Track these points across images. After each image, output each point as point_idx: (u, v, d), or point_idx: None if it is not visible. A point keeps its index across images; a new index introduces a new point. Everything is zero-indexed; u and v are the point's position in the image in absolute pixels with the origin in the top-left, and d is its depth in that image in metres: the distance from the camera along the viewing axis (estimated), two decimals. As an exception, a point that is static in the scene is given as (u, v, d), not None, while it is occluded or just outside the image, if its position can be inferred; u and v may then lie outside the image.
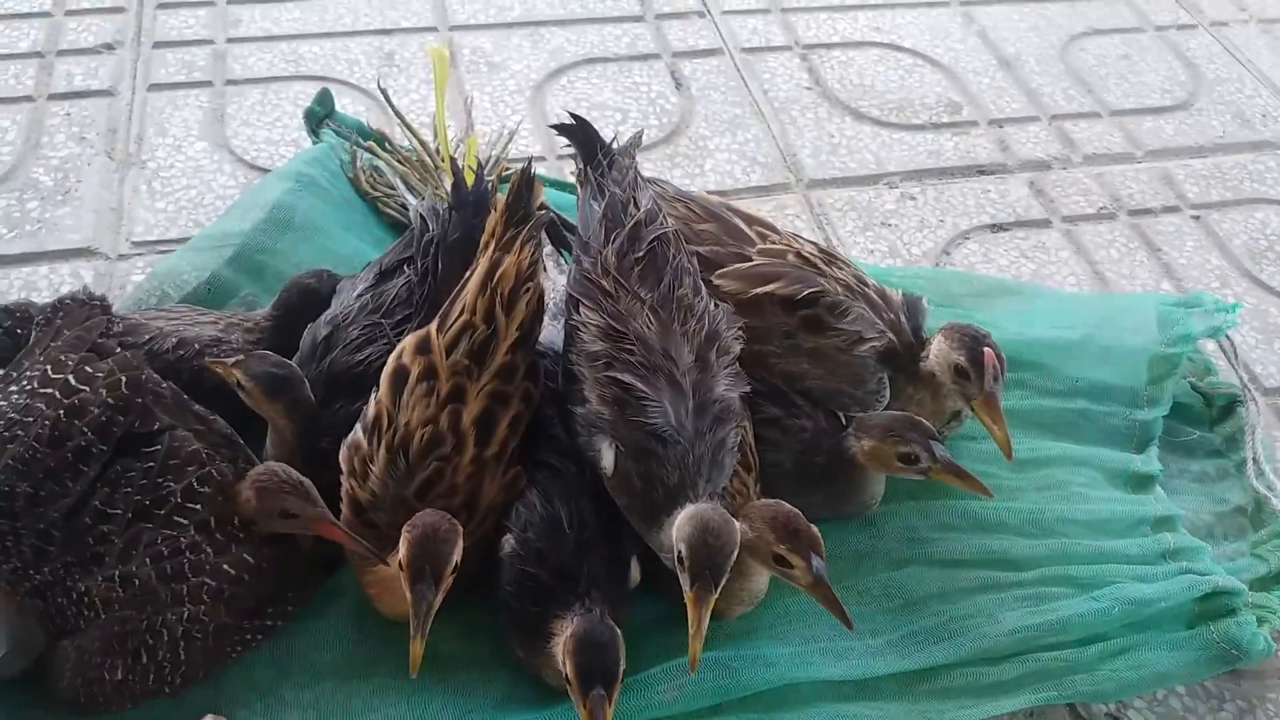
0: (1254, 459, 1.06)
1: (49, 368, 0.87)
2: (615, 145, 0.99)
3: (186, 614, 0.82)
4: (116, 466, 0.84)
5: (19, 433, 0.83)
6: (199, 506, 0.84)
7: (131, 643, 0.81)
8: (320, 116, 1.31)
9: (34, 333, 0.92)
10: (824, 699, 0.86)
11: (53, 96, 1.38)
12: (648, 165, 1.36)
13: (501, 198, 0.97)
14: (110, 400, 0.85)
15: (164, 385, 0.89)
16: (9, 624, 0.81)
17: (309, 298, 1.01)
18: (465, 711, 0.84)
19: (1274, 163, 1.48)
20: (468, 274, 0.93)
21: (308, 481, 0.85)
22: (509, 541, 0.87)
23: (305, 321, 1.00)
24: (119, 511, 0.83)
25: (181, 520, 0.84)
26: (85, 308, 0.92)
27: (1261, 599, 0.93)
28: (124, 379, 0.86)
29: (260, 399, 0.90)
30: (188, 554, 0.83)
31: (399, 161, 1.23)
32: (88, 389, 0.85)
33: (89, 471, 0.83)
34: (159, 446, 0.85)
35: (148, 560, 0.82)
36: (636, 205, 0.95)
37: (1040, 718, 0.89)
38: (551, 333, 0.99)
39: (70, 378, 0.86)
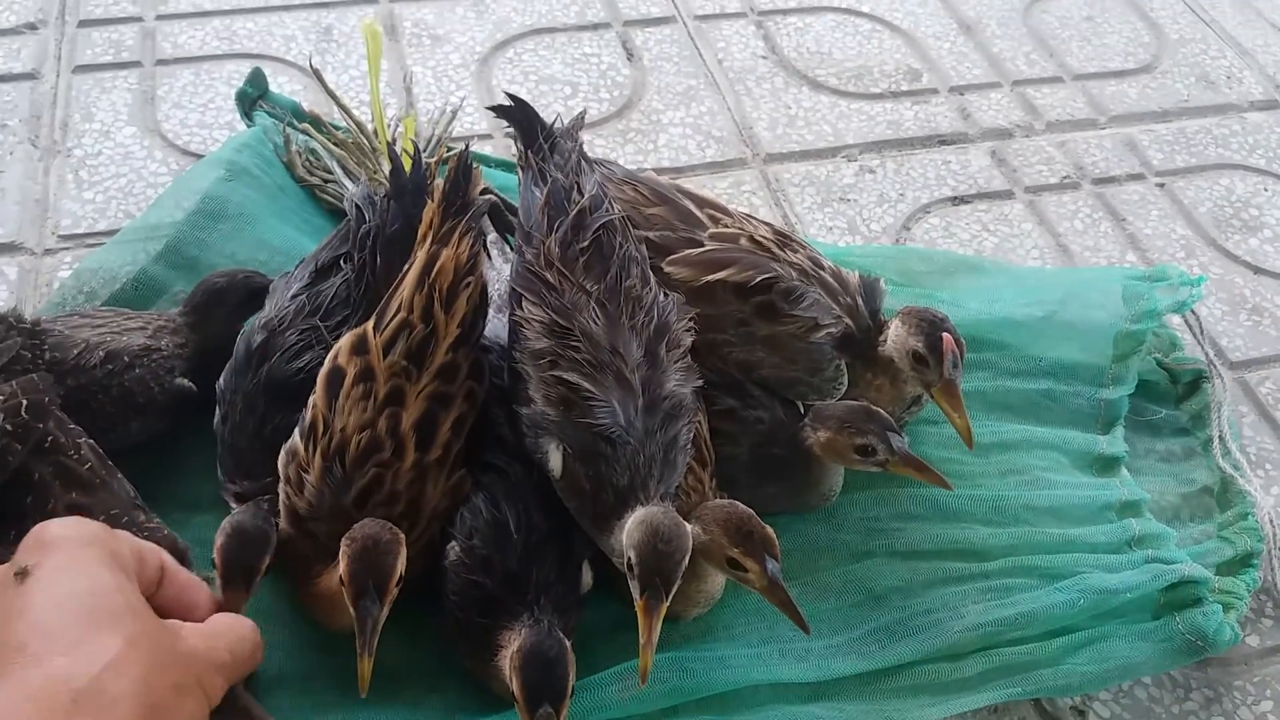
0: (1220, 437, 1.04)
1: None
2: (558, 126, 0.95)
3: None
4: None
5: None
6: None
7: None
8: (253, 98, 1.25)
9: None
10: (782, 700, 0.84)
11: (-29, 81, 1.32)
12: (599, 142, 1.31)
13: (441, 184, 0.93)
14: (8, 426, 0.79)
15: (56, 434, 0.81)
16: None
17: (217, 299, 0.96)
18: (411, 723, 0.81)
19: (1239, 127, 1.45)
20: (405, 268, 0.89)
21: None
22: (454, 549, 0.84)
23: (215, 322, 0.96)
24: None
25: None
26: (2, 328, 0.87)
27: (1228, 584, 0.92)
28: (24, 402, 0.80)
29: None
30: None
31: (335, 144, 1.18)
32: None
33: None
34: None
35: None
36: (580, 191, 0.91)
37: (1005, 713, 0.87)
38: (497, 326, 0.95)
39: None
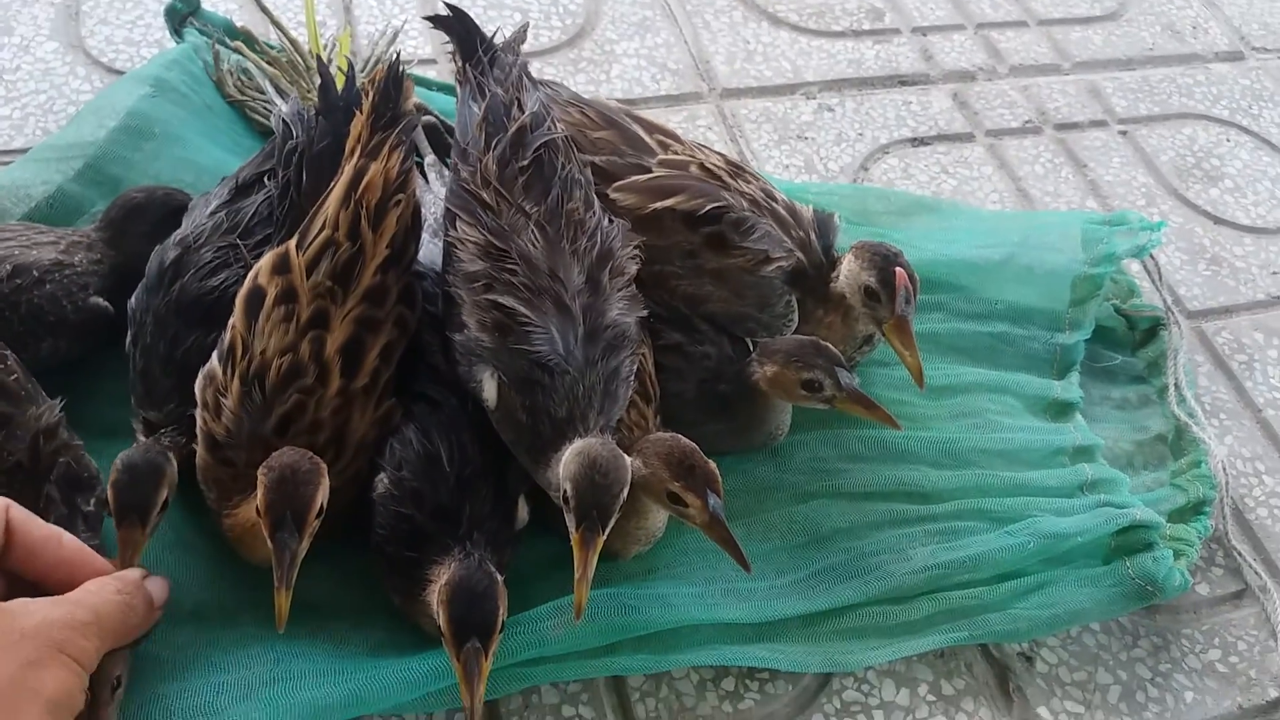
0: (1175, 385, 1.02)
1: None
2: (498, 40, 0.90)
3: None
4: None
5: None
6: None
7: None
8: (183, 14, 1.17)
9: None
10: (724, 641, 0.81)
11: (-119, -12, 1.23)
12: (549, 71, 1.26)
13: (370, 96, 0.88)
14: None
15: None
16: None
17: (135, 214, 0.91)
18: (338, 659, 0.77)
19: (1203, 76, 1.43)
20: (331, 185, 0.84)
21: None
22: (382, 481, 0.79)
23: (133, 239, 0.90)
24: None
25: None
26: None
27: (1179, 531, 0.90)
28: None
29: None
30: None
31: (268, 63, 1.12)
32: None
33: None
34: None
35: None
36: (521, 108, 0.86)
37: (952, 658, 0.85)
38: (433, 251, 0.90)
39: None
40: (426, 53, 1.25)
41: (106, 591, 0.66)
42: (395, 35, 1.19)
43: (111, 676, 0.67)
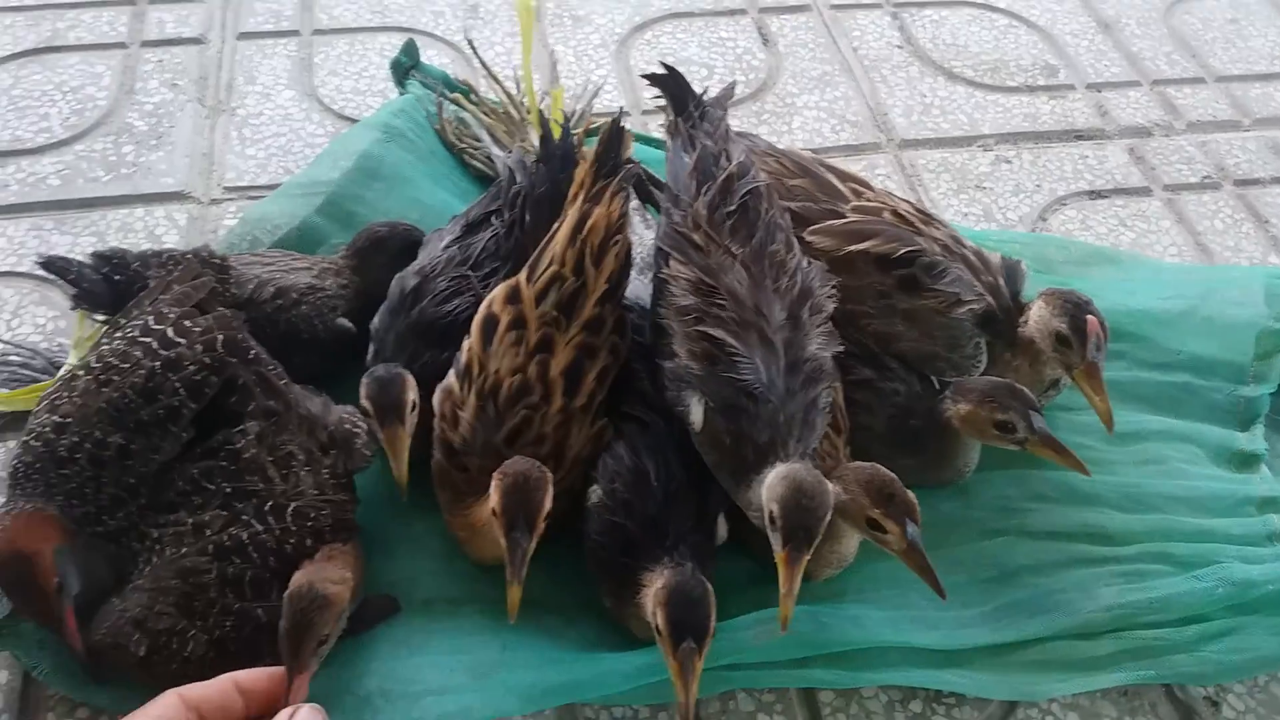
0: (1365, 441, 1.01)
1: (151, 319, 0.87)
2: (707, 96, 0.97)
3: (235, 606, 0.80)
4: (216, 438, 0.84)
5: (115, 378, 0.83)
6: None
7: (166, 621, 0.79)
8: (406, 67, 1.30)
9: (144, 280, 0.93)
10: (913, 664, 0.85)
11: (145, 43, 1.39)
12: (735, 123, 1.31)
13: (589, 150, 0.96)
14: (206, 359, 0.84)
15: (255, 352, 0.87)
16: (77, 563, 0.80)
17: (378, 245, 1.02)
18: (556, 650, 0.84)
19: (1392, 134, 1.41)
20: (556, 225, 0.92)
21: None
22: (595, 492, 0.87)
23: (374, 267, 1.01)
24: (210, 488, 0.82)
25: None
26: (196, 264, 0.92)
27: (1372, 585, 0.90)
28: (220, 338, 0.85)
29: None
30: (250, 549, 0.81)
31: (485, 114, 1.22)
32: (184, 343, 0.84)
33: (177, 431, 0.83)
34: (239, 444, 0.84)
35: (211, 542, 0.81)
36: (729, 158, 0.93)
37: (1136, 697, 0.86)
38: (638, 287, 0.98)
39: (169, 330, 0.85)
40: (620, 105, 1.35)
41: None
42: (596, 91, 1.28)
43: (320, 634, 0.74)
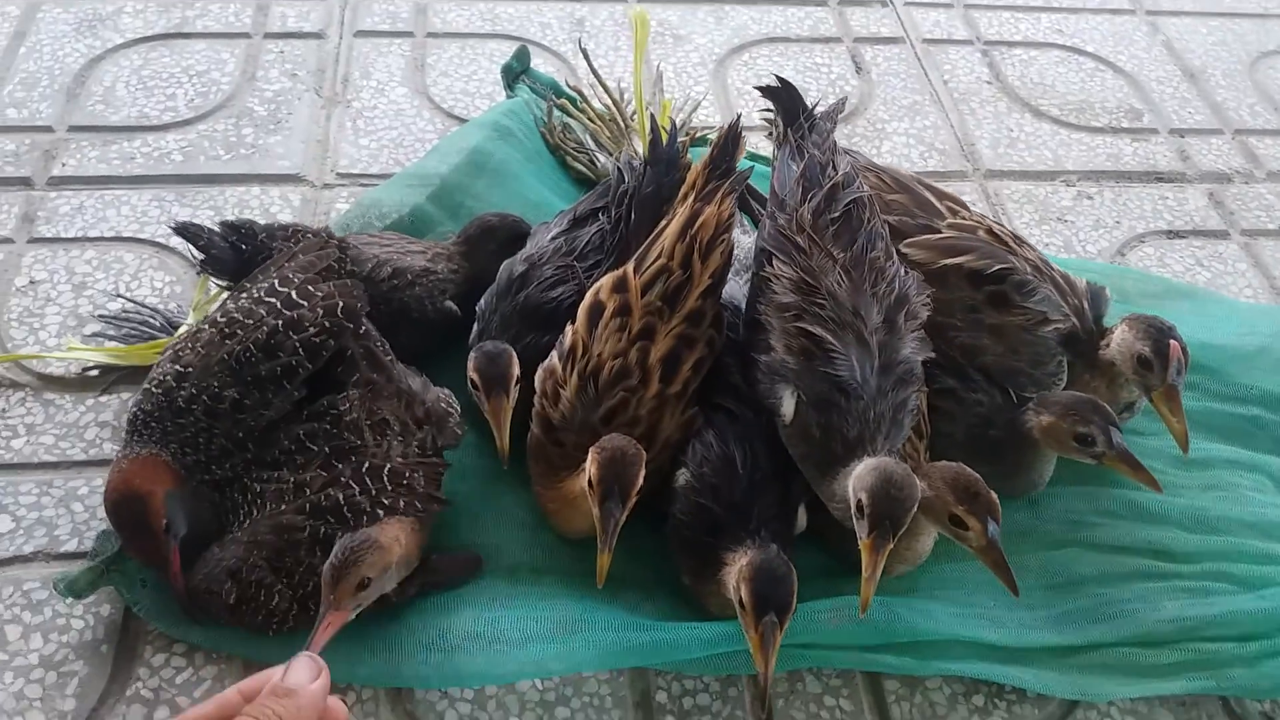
0: None
1: (277, 281, 0.93)
2: (818, 110, 1.02)
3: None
4: (321, 402, 0.89)
5: (238, 331, 0.89)
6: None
7: (257, 574, 0.84)
8: (517, 72, 1.36)
9: (269, 250, 0.98)
10: (980, 658, 0.88)
11: (268, 35, 1.48)
12: (825, 143, 1.38)
13: (693, 154, 1.01)
14: (326, 323, 0.89)
15: (365, 327, 0.93)
16: (185, 508, 0.86)
17: (489, 234, 1.08)
18: (632, 618, 0.89)
19: None
20: (665, 220, 0.98)
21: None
22: (684, 474, 0.91)
23: (483, 255, 1.07)
24: (313, 449, 0.88)
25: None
26: (320, 239, 0.99)
27: None
28: (340, 304, 0.90)
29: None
30: (345, 509, 0.86)
31: (591, 120, 1.28)
32: (306, 305, 0.90)
33: (290, 390, 0.88)
34: (342, 407, 0.89)
35: (309, 501, 0.86)
36: (835, 168, 0.98)
37: (1194, 707, 0.89)
38: (733, 288, 1.02)
39: (293, 292, 0.91)
40: (717, 120, 1.40)
41: None
42: (697, 104, 1.34)
43: (363, 574, 0.78)
